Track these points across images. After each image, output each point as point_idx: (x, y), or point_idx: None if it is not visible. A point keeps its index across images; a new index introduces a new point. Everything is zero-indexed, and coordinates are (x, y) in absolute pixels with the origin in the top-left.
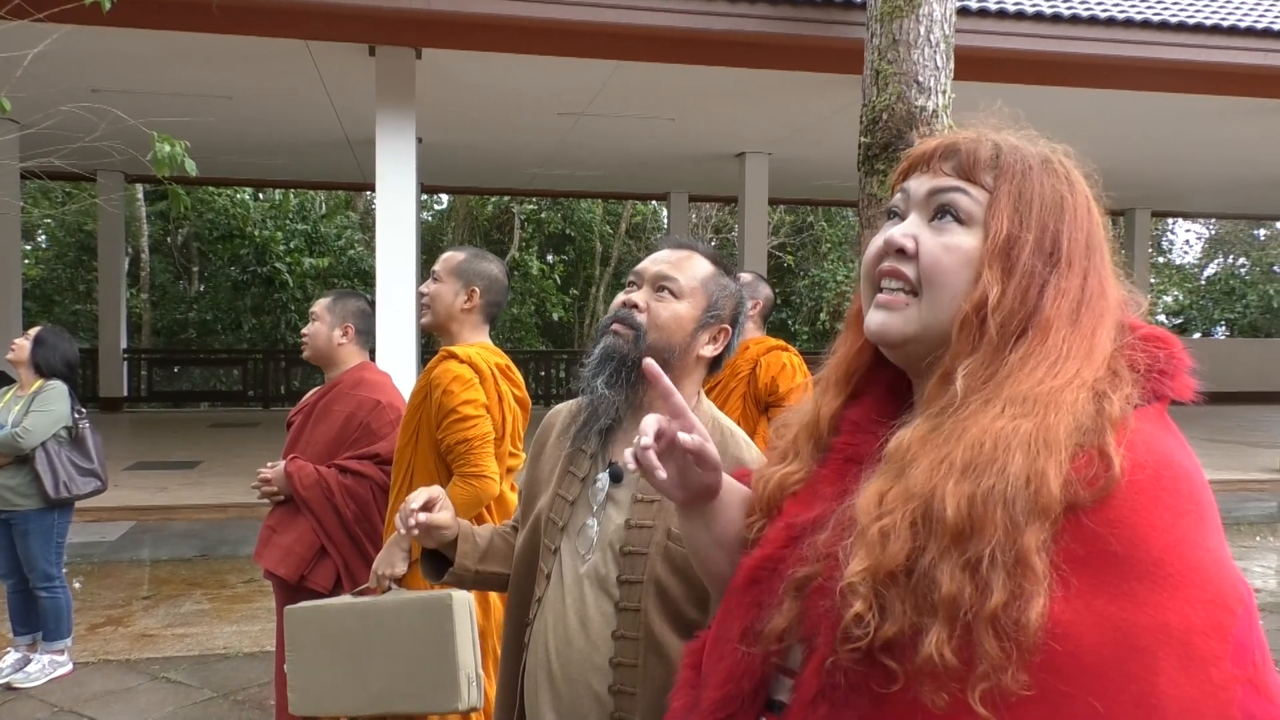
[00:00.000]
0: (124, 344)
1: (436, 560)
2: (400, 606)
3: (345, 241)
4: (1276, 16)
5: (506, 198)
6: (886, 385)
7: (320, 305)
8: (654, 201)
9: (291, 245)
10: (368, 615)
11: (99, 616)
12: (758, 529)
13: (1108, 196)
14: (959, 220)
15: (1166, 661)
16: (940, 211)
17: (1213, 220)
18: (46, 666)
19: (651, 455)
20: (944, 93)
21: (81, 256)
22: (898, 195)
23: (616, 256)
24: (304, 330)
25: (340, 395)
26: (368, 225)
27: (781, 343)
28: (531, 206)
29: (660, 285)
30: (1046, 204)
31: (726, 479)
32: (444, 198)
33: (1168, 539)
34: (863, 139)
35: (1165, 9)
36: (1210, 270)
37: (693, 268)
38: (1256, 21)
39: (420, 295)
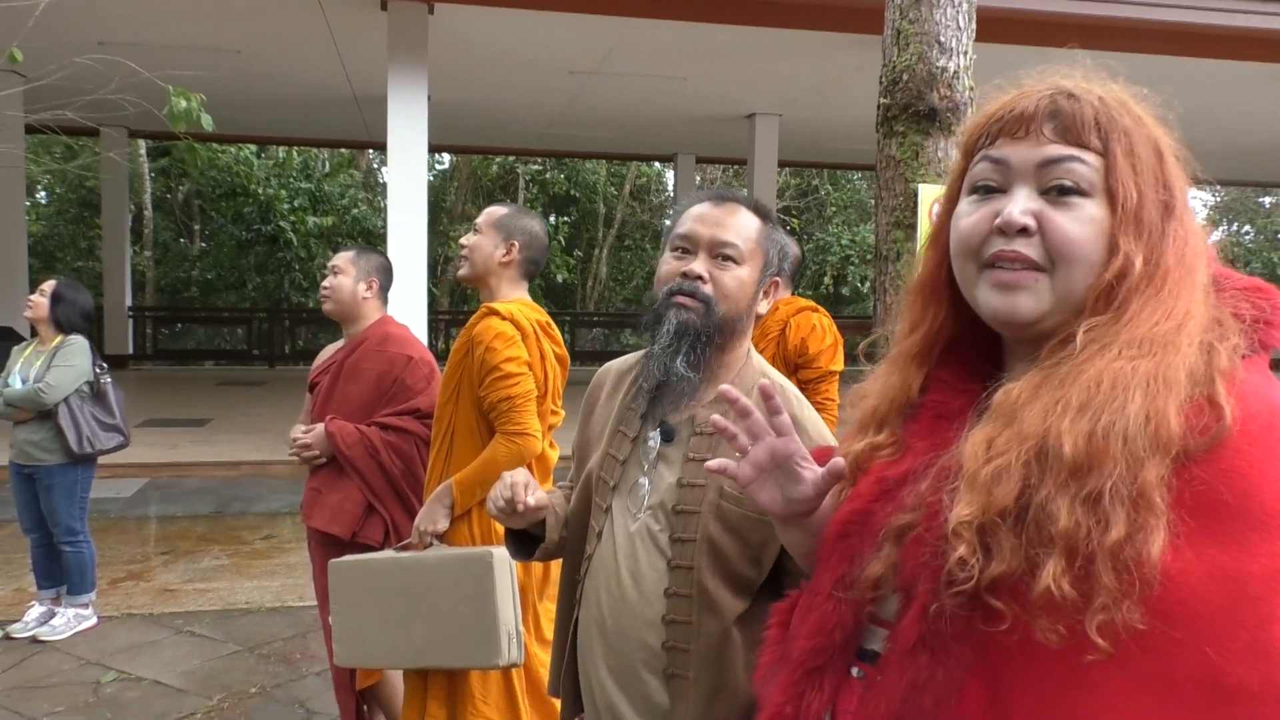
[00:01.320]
0: (129, 301)
1: (520, 538)
2: (442, 562)
3: (349, 200)
4: None
5: (511, 158)
6: (971, 347)
7: (344, 259)
8: (658, 163)
9: (295, 204)
10: (410, 570)
11: (119, 571)
12: (844, 491)
13: None
14: (1081, 192)
15: None
16: (1058, 183)
17: (1218, 187)
18: (71, 620)
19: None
20: (965, 53)
21: (83, 213)
22: (983, 165)
23: (620, 219)
24: (325, 284)
25: (368, 352)
26: (370, 185)
27: (811, 303)
28: (536, 167)
29: (719, 253)
30: (1150, 154)
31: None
32: (445, 158)
33: None
34: (882, 100)
35: None
36: (1215, 237)
37: (744, 226)
38: None
39: (460, 247)
